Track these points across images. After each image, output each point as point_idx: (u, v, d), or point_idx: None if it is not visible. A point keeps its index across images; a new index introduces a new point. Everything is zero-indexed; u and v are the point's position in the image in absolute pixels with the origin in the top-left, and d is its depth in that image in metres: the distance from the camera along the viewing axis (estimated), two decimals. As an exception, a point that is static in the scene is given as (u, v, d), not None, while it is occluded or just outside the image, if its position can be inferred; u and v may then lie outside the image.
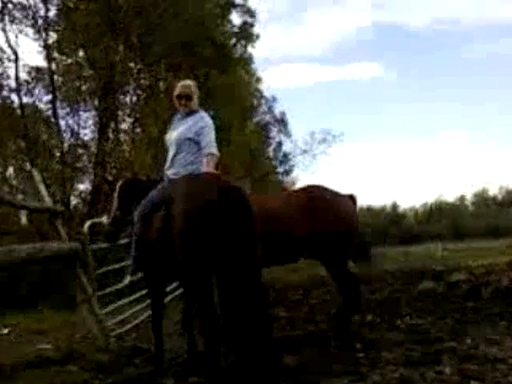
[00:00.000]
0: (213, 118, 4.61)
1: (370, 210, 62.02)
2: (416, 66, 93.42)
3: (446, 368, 3.99)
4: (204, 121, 4.41)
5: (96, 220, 6.72)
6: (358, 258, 5.74)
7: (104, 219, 5.30)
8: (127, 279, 4.87)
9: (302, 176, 36.23)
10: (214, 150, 4.30)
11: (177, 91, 4.58)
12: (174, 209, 3.81)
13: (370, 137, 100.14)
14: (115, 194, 5.06)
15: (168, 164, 4.51)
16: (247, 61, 25.72)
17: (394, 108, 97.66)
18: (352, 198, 5.52)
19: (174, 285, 7.52)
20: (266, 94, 31.87)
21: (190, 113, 4.52)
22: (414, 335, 5.23)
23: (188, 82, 4.69)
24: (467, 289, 7.88)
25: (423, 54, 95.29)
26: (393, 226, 57.54)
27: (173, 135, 4.51)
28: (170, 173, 4.44)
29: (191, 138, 4.36)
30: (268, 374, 3.75)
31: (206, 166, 4.21)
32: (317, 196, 5.22)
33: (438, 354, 4.39)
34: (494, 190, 69.94)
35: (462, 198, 70.41)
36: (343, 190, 5.51)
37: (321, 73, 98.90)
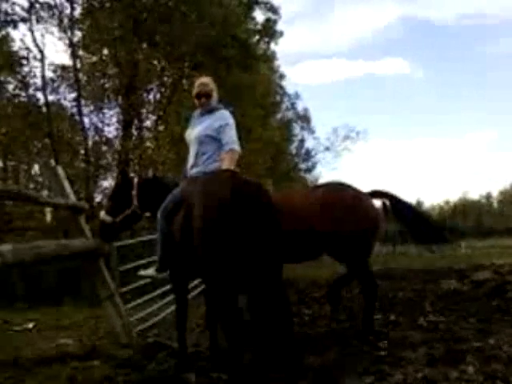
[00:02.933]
0: (232, 113, 4.58)
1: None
2: (443, 61, 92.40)
3: (470, 368, 3.94)
4: (224, 118, 4.38)
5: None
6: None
7: (107, 217, 5.13)
8: (151, 270, 4.81)
9: (325, 173, 36.24)
10: (235, 147, 4.29)
11: (195, 90, 4.58)
12: (192, 208, 3.82)
13: (395, 133, 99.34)
14: (135, 191, 5.07)
15: (191, 162, 4.50)
16: (270, 58, 25.71)
17: (420, 104, 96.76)
18: (380, 193, 5.47)
19: (197, 281, 7.54)
20: (289, 90, 31.88)
21: (210, 110, 4.51)
22: (438, 334, 5.18)
23: (205, 79, 4.67)
24: (492, 287, 7.76)
25: (450, 49, 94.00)
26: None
27: (193, 133, 4.51)
28: (193, 172, 4.44)
29: (212, 135, 4.35)
30: (289, 371, 3.74)
31: (227, 163, 4.21)
32: (338, 193, 5.19)
33: (461, 354, 4.33)
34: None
35: (488, 196, 69.39)
36: (367, 186, 5.48)
37: (347, 69, 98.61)
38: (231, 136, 4.32)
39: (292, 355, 3.75)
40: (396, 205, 5.42)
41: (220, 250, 3.57)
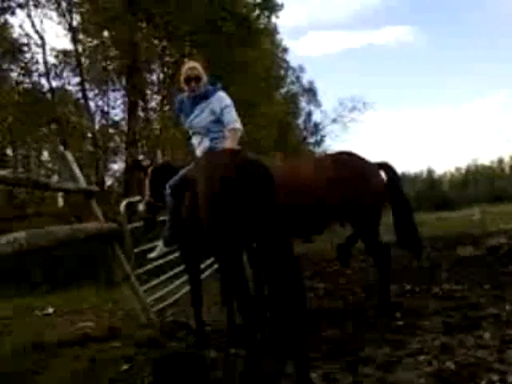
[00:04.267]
0: (225, 89, 4.59)
1: (404, 176, 61.23)
2: (446, 27, 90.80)
3: (486, 333, 3.97)
4: (223, 100, 4.41)
5: (132, 199, 6.79)
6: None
7: (140, 206, 5.28)
8: (159, 248, 4.87)
9: (334, 145, 36.15)
10: (237, 125, 4.34)
11: (184, 75, 4.54)
12: (197, 188, 3.85)
13: (402, 103, 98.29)
14: (147, 180, 5.08)
15: (202, 149, 4.51)
16: (272, 31, 25.42)
17: (426, 72, 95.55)
18: (386, 166, 5.42)
19: (212, 259, 7.58)
20: (293, 63, 31.64)
21: (205, 95, 4.50)
22: (453, 302, 5.20)
23: (193, 63, 4.65)
24: (506, 252, 7.75)
25: (453, 13, 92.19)
26: (429, 191, 56.77)
27: (197, 121, 4.48)
28: None
29: (216, 120, 4.40)
30: (304, 344, 3.79)
31: (230, 142, 4.24)
32: (346, 164, 5.16)
33: (476, 320, 4.36)
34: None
35: (500, 161, 68.80)
36: (376, 157, 5.45)
37: (349, 39, 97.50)
38: (232, 115, 4.38)
39: (305, 327, 3.80)
40: (391, 181, 5.38)
41: (226, 227, 3.60)
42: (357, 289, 6.51)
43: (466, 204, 37.69)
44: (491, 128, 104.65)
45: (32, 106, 14.38)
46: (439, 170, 70.85)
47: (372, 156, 5.41)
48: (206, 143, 4.48)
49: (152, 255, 5.01)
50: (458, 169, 70.88)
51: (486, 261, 7.52)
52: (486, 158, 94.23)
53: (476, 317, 4.49)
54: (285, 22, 44.91)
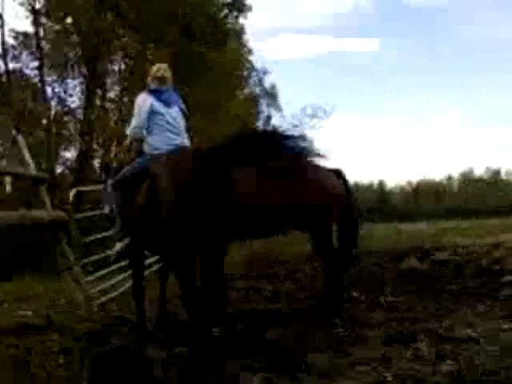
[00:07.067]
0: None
1: (357, 186, 62.13)
2: (414, 41, 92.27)
3: (423, 347, 4.05)
4: None
5: (81, 188, 6.65)
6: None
7: (105, 209, 5.20)
8: (117, 246, 4.83)
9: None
10: None
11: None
12: (159, 183, 3.82)
13: (361, 112, 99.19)
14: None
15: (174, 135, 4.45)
16: (239, 32, 25.39)
17: (390, 84, 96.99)
18: (338, 172, 5.47)
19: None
20: (260, 65, 31.68)
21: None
22: (395, 314, 5.29)
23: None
24: (451, 268, 7.93)
25: (423, 29, 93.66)
26: (380, 203, 57.87)
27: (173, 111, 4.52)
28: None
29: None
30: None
31: None
32: (294, 168, 5.12)
33: (415, 334, 4.43)
34: (480, 171, 70.22)
35: (449, 178, 70.54)
36: (330, 164, 5.49)
37: (318, 45, 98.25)
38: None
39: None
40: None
41: (187, 227, 3.63)
42: (304, 294, 6.53)
43: (415, 217, 38.49)
44: (444, 144, 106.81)
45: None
46: (392, 183, 71.71)
47: (326, 163, 5.44)
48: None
49: (114, 251, 4.97)
50: (409, 182, 72.13)
51: (429, 275, 7.64)
52: (437, 174, 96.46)
53: (415, 330, 4.57)
54: (255, 23, 44.83)
